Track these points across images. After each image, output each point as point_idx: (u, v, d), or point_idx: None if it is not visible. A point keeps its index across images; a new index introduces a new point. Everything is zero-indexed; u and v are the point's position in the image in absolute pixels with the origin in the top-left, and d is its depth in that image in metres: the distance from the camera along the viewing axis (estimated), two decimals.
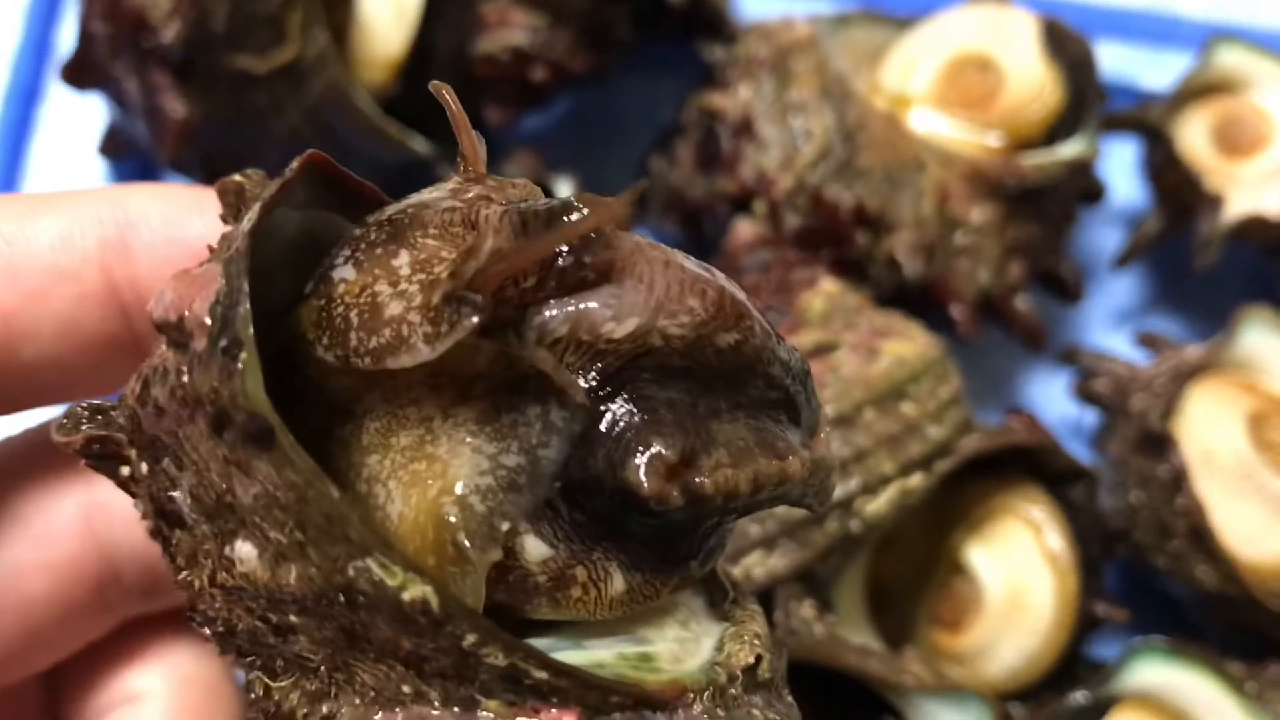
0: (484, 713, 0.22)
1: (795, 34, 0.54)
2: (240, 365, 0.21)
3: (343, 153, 0.43)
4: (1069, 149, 0.55)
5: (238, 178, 0.26)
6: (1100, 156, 0.56)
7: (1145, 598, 0.54)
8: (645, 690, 0.23)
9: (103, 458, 0.25)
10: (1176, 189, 0.58)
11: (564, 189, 0.54)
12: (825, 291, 0.49)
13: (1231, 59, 0.59)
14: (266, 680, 0.24)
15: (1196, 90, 0.59)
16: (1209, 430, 0.50)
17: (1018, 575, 0.48)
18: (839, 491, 0.44)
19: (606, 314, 0.22)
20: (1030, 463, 0.49)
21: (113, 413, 0.25)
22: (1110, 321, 0.62)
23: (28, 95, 0.59)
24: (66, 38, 0.59)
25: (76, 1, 0.51)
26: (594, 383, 0.23)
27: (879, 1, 0.60)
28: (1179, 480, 0.49)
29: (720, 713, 0.23)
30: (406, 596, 0.21)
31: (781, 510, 0.44)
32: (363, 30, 0.52)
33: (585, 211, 0.22)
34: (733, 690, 0.24)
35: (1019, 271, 0.54)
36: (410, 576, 0.21)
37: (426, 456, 0.23)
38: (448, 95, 0.25)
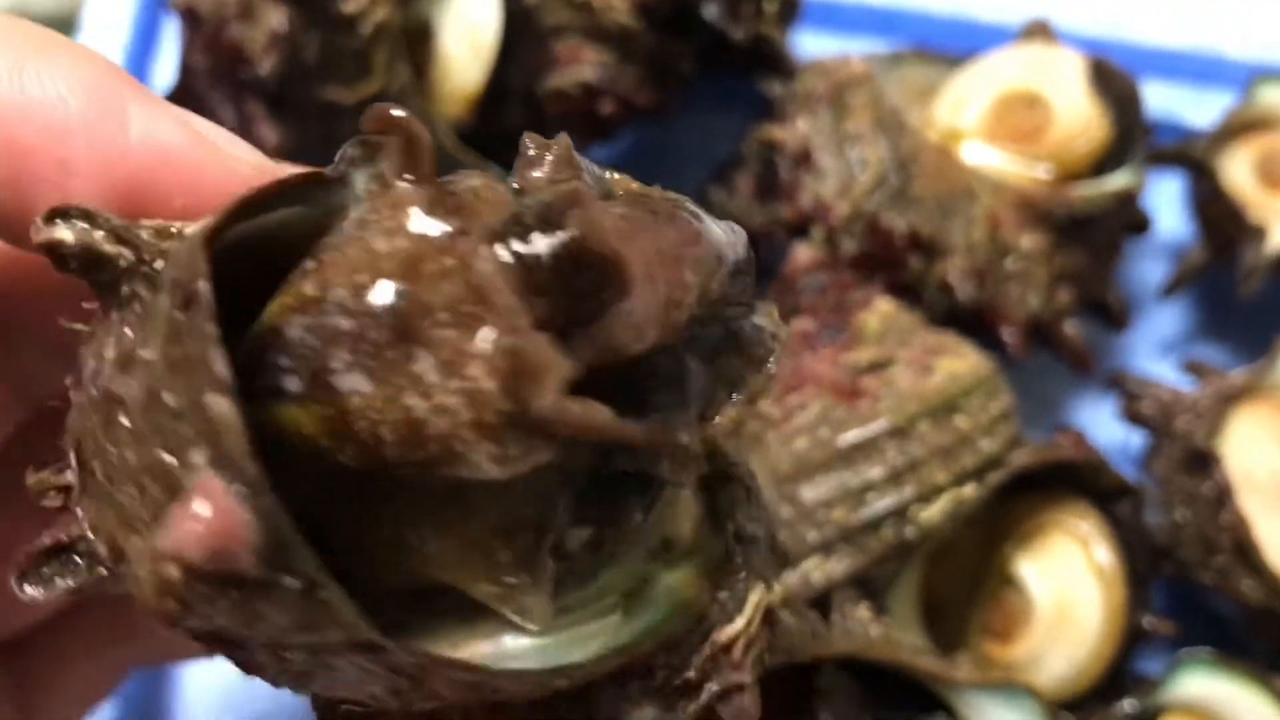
0: None
1: (851, 70, 0.57)
2: (325, 601, 0.20)
3: None
4: (1115, 181, 0.57)
5: (67, 235, 0.23)
6: (1146, 190, 0.58)
7: (1191, 614, 0.55)
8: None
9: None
10: (1220, 221, 0.60)
11: None
12: (881, 311, 0.51)
13: (1274, 97, 0.61)
14: None
15: (1239, 127, 0.61)
16: (1249, 449, 0.52)
17: (1066, 588, 0.50)
18: (894, 499, 0.46)
19: (629, 338, 0.22)
20: (1078, 479, 0.51)
21: (81, 557, 0.24)
22: (1156, 349, 0.63)
23: None
24: (162, 69, 0.63)
25: (176, 36, 0.55)
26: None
27: (930, 40, 0.62)
28: (1223, 497, 0.51)
29: None
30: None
31: (839, 516, 0.46)
32: (442, 67, 0.55)
33: (575, 233, 0.21)
34: None
35: (1067, 297, 0.56)
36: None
37: None
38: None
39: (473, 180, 0.22)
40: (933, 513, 0.46)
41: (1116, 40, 0.65)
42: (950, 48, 0.61)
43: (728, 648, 0.26)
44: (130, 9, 0.63)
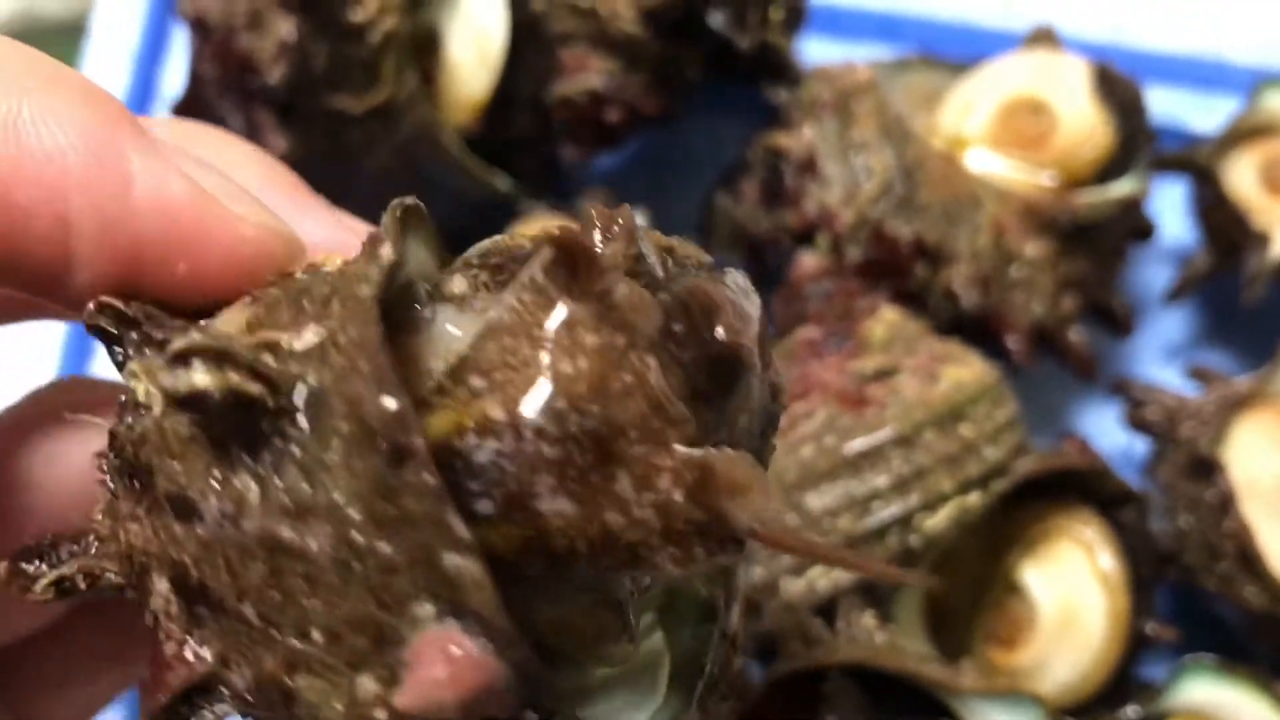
0: None
1: (856, 77, 0.57)
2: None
3: (430, 187, 0.46)
4: (1120, 188, 0.57)
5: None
6: (1150, 196, 0.58)
7: (1196, 620, 0.55)
8: None
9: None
10: (1224, 227, 0.60)
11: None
12: (886, 319, 0.51)
13: (1278, 103, 0.61)
14: None
15: (1244, 132, 0.61)
16: (1252, 456, 0.52)
17: (1071, 594, 0.50)
18: (899, 507, 0.47)
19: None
20: (1082, 486, 0.51)
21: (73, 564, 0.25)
22: (1161, 355, 0.64)
23: None
24: (171, 77, 0.63)
25: (185, 46, 0.55)
26: None
27: (936, 47, 0.63)
28: (1226, 504, 0.51)
29: None
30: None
31: (844, 524, 0.47)
32: (450, 74, 0.55)
33: (724, 337, 0.22)
34: None
35: (1072, 304, 0.56)
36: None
37: None
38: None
39: (620, 288, 0.22)
40: (938, 521, 0.47)
41: (1121, 46, 0.65)
42: (955, 54, 0.61)
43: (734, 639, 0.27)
44: (139, 17, 0.63)
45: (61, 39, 0.68)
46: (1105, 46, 0.64)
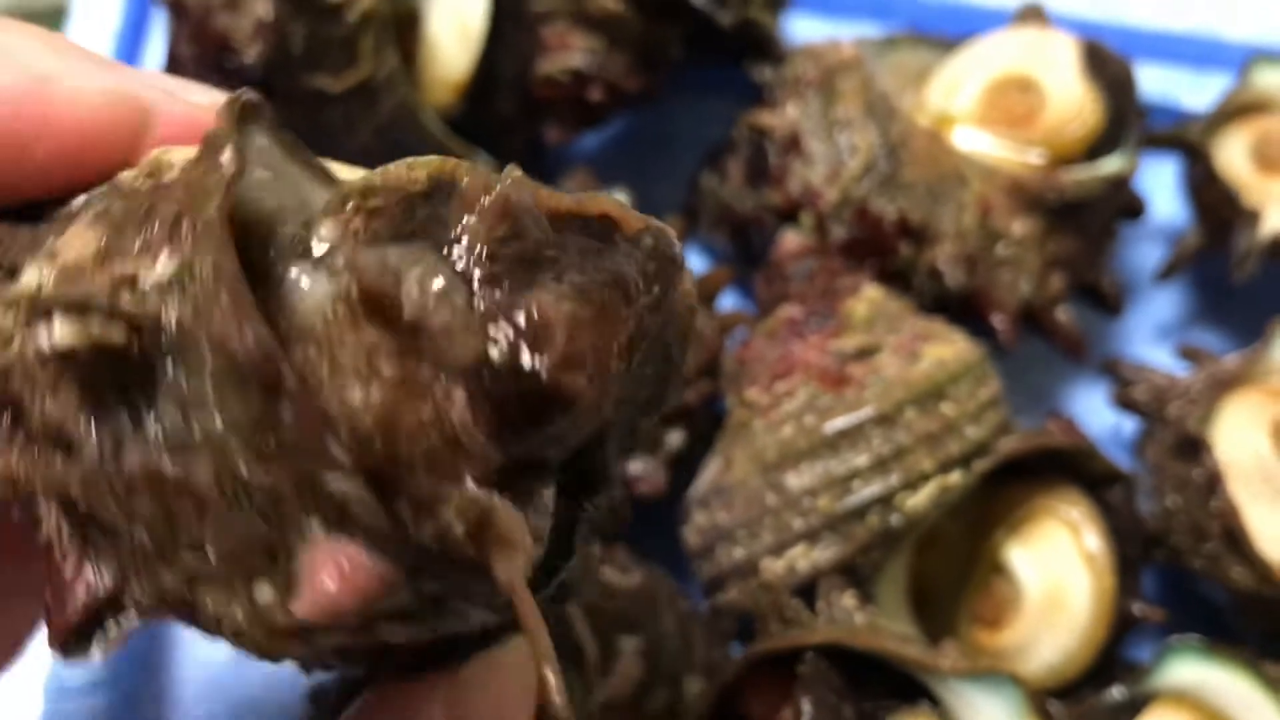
0: None
1: (841, 55, 0.56)
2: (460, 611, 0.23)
3: None
4: (1109, 165, 0.57)
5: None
6: (1141, 174, 0.58)
7: (1183, 601, 0.55)
8: None
9: None
10: (1215, 205, 0.59)
11: None
12: (868, 298, 0.51)
13: (1270, 79, 0.61)
14: None
15: (1235, 110, 0.61)
16: (1239, 436, 0.51)
17: (1056, 574, 0.50)
18: (879, 486, 0.46)
19: (569, 440, 0.23)
20: (1069, 466, 0.51)
21: None
22: (1151, 334, 0.63)
23: None
24: (152, 59, 0.63)
25: (164, 27, 0.54)
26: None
27: (924, 24, 0.62)
28: (1213, 484, 0.51)
29: None
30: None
31: (824, 504, 0.46)
32: (430, 53, 0.55)
33: (546, 376, 0.21)
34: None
35: (1060, 283, 0.56)
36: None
37: None
38: None
39: (439, 315, 0.21)
40: (919, 500, 0.46)
41: (1111, 22, 0.65)
42: (944, 31, 0.61)
43: None
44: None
45: (46, 22, 0.67)
46: (1095, 23, 0.64)
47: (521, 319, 0.21)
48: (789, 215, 0.55)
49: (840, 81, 0.55)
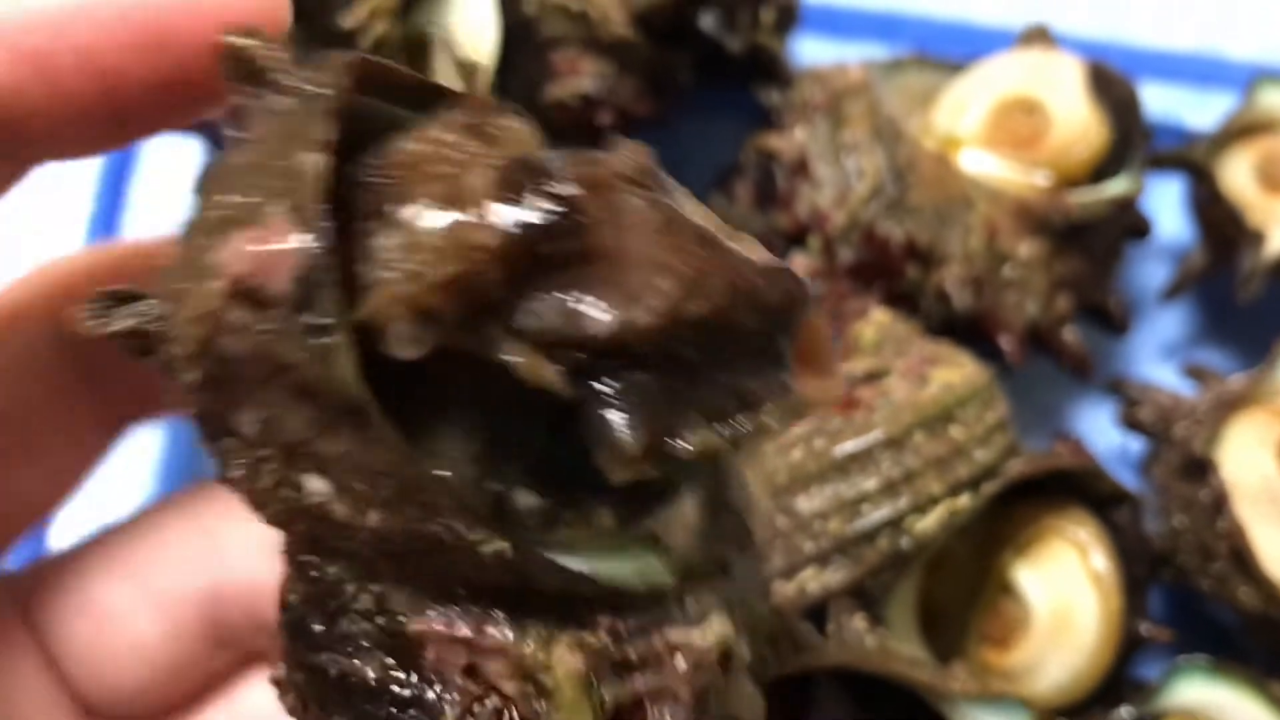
0: (530, 619, 0.24)
1: (849, 79, 0.57)
2: (331, 347, 0.21)
3: None
4: (1114, 187, 0.57)
5: (240, 43, 0.25)
6: (1146, 194, 0.58)
7: (1191, 621, 0.55)
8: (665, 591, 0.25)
9: (142, 351, 0.25)
10: (1220, 225, 0.60)
11: None
12: (877, 321, 0.51)
13: (1275, 99, 0.61)
14: (319, 562, 0.25)
15: (1240, 129, 0.61)
16: (1246, 457, 0.52)
17: (1064, 594, 0.50)
18: (889, 510, 0.47)
19: (592, 313, 0.23)
20: (1076, 486, 0.51)
21: (145, 304, 0.25)
22: (1157, 354, 0.63)
23: None
24: None
25: None
26: (571, 372, 0.23)
27: (930, 45, 0.63)
28: (1220, 504, 0.51)
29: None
30: (485, 549, 0.23)
31: (835, 527, 0.47)
32: (442, 79, 0.55)
33: (578, 194, 0.23)
34: None
35: (1066, 304, 0.56)
36: (487, 535, 0.23)
37: None
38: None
39: (515, 124, 0.25)
40: (928, 523, 0.47)
41: (1117, 42, 0.65)
42: (950, 52, 0.61)
43: (673, 650, 0.26)
44: None
45: None
46: (1101, 43, 0.64)
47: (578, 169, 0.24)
48: (797, 238, 0.55)
49: (848, 105, 0.56)
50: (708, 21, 0.57)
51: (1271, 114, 0.61)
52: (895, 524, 0.47)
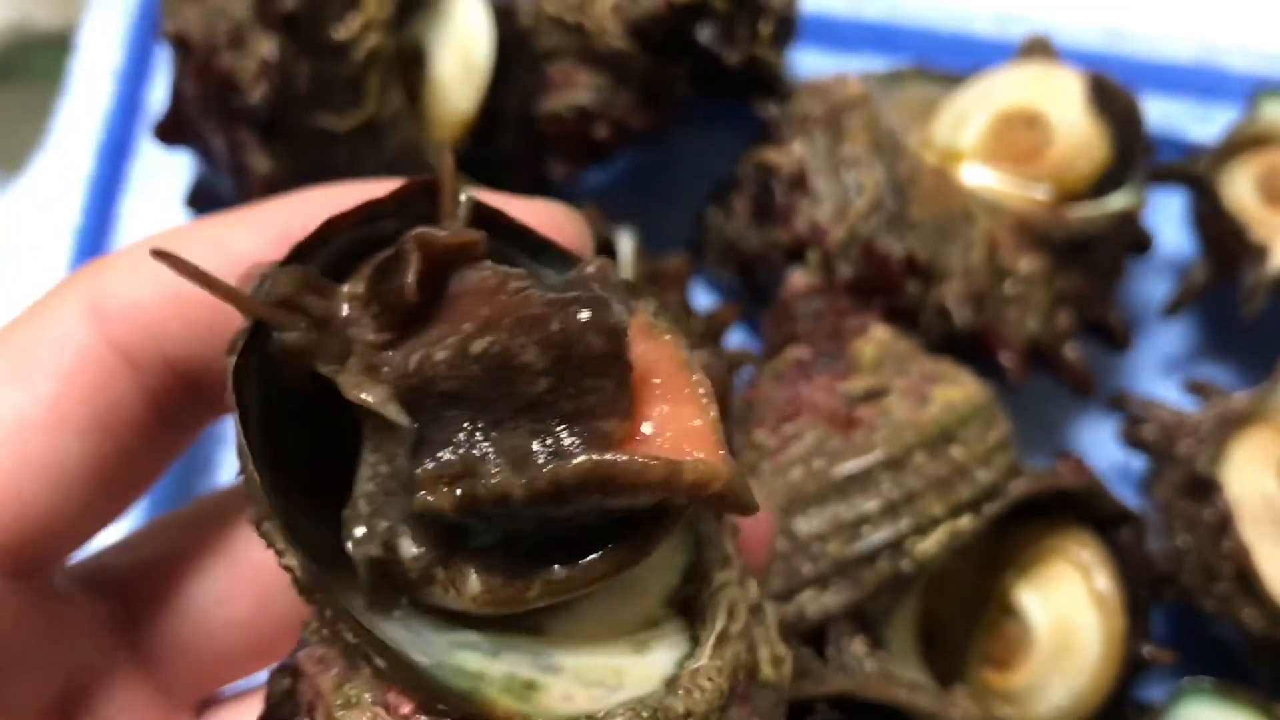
0: (361, 672, 0.26)
1: (848, 91, 0.56)
2: (231, 357, 0.26)
3: None
4: (1116, 201, 0.56)
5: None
6: (1148, 208, 0.57)
7: (1194, 641, 0.55)
8: (486, 712, 0.25)
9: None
10: (1223, 239, 0.59)
11: (625, 242, 0.56)
12: (877, 339, 0.50)
13: (1277, 112, 0.61)
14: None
15: (1242, 143, 0.60)
16: (1250, 476, 0.51)
17: (1066, 616, 0.49)
18: (889, 531, 0.46)
19: (414, 349, 0.26)
20: (1078, 506, 0.51)
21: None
22: (1159, 369, 0.63)
23: (118, 151, 0.62)
24: (155, 97, 0.63)
25: (168, 63, 0.54)
26: (406, 408, 0.26)
27: (930, 57, 0.62)
28: (1224, 524, 0.50)
29: None
30: (284, 562, 0.26)
31: (834, 549, 0.46)
32: (435, 91, 0.54)
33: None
34: None
35: (1068, 320, 0.56)
36: (287, 547, 0.25)
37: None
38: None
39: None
40: (929, 545, 0.46)
41: (1118, 54, 0.64)
42: (950, 64, 0.60)
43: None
44: (124, 33, 0.63)
45: (53, 49, 0.67)
46: (1102, 55, 0.63)
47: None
48: (796, 253, 0.55)
49: (847, 119, 0.55)
50: (705, 34, 0.56)
51: (1273, 127, 0.60)
52: (895, 546, 0.46)
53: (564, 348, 0.25)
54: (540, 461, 0.25)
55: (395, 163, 0.53)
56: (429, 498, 0.25)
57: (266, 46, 0.50)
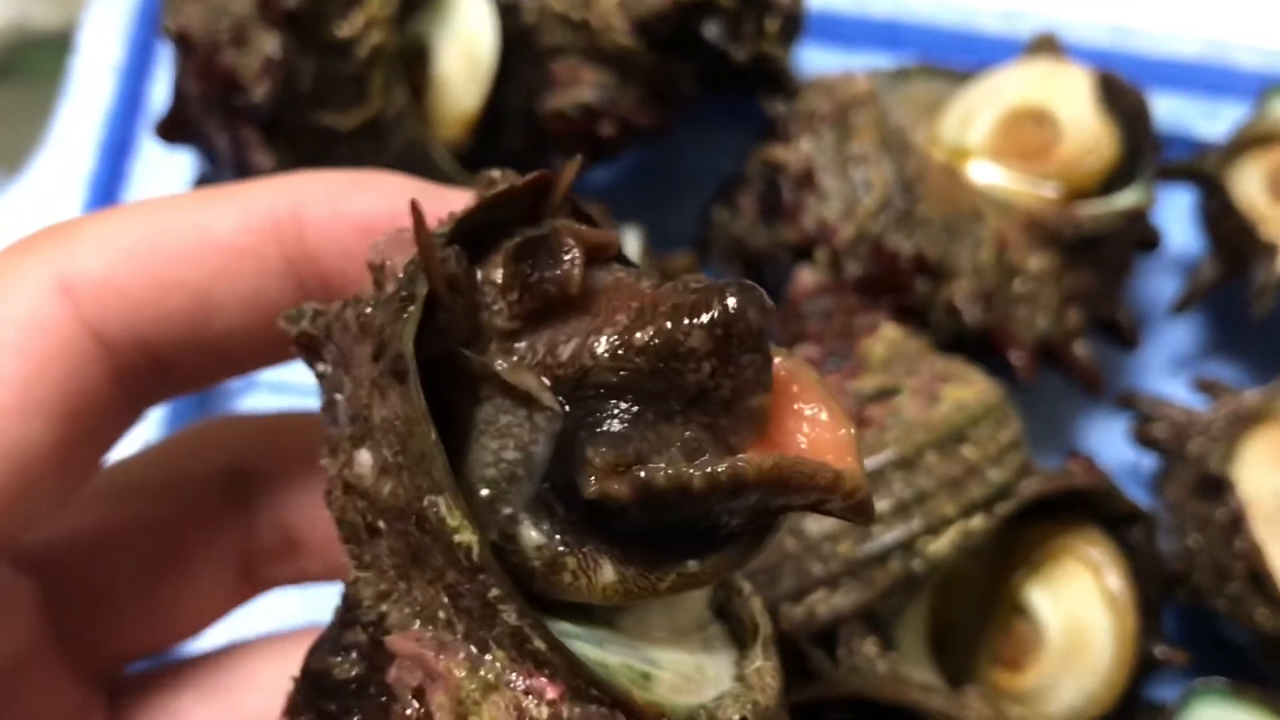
0: (489, 656, 0.25)
1: (855, 88, 0.56)
2: (406, 315, 0.25)
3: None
4: (1124, 199, 0.56)
5: (494, 173, 0.29)
6: (1156, 205, 0.57)
7: (1206, 641, 0.54)
8: (629, 700, 0.25)
9: (307, 349, 0.29)
10: (1231, 237, 0.59)
11: (631, 240, 0.56)
12: (886, 337, 0.50)
13: None
14: (355, 569, 0.27)
15: (1251, 140, 0.60)
16: (1262, 475, 0.51)
17: (1077, 615, 0.49)
18: (901, 532, 0.45)
19: (558, 339, 0.26)
20: (1089, 505, 0.50)
21: (323, 317, 0.29)
22: (1168, 367, 0.62)
23: (119, 149, 0.62)
24: (156, 95, 0.62)
25: (170, 61, 0.54)
26: (559, 397, 0.26)
27: (937, 53, 0.62)
28: (1236, 523, 0.50)
29: None
30: (457, 539, 0.25)
31: (845, 549, 0.46)
32: (440, 89, 0.54)
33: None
34: None
35: (1077, 318, 0.55)
36: (464, 523, 0.25)
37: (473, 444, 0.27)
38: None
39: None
40: (940, 545, 0.46)
41: (1126, 51, 0.64)
42: (957, 61, 0.60)
43: None
44: (124, 30, 0.62)
45: (53, 48, 0.67)
46: (1110, 52, 0.63)
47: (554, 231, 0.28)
48: (804, 251, 0.54)
49: (854, 116, 0.55)
50: (711, 30, 0.55)
51: None
52: (907, 546, 0.46)
53: (727, 326, 0.25)
54: (710, 456, 0.25)
55: (399, 161, 0.52)
56: (610, 485, 0.25)
57: (269, 44, 0.50)
